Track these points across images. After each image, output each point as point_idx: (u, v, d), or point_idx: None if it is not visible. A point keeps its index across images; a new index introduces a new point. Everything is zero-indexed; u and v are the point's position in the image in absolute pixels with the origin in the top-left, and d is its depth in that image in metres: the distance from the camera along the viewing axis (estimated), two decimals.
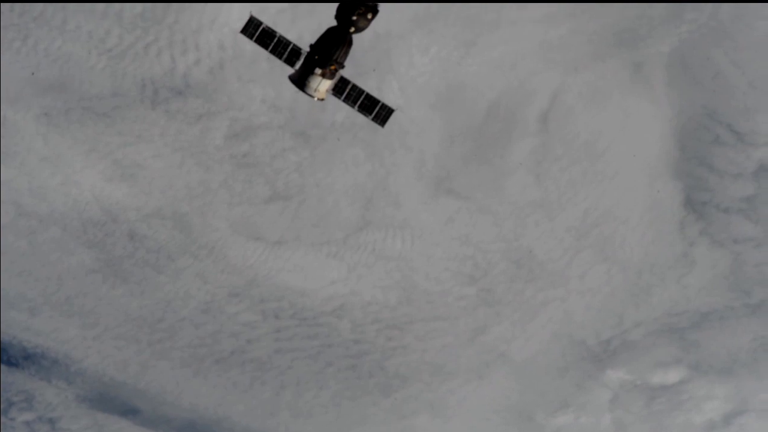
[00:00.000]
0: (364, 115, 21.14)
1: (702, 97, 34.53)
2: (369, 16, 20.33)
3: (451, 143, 35.07)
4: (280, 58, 20.77)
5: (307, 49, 20.59)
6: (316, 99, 20.81)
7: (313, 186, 35.13)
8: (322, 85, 20.63)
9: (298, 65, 20.73)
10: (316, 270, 35.98)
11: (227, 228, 35.48)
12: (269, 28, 20.67)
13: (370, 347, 36.78)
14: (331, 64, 20.44)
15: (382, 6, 20.53)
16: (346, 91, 20.99)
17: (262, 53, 34.21)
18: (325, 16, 20.95)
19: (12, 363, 37.06)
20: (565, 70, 34.27)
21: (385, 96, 34.10)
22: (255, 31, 20.74)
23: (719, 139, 34.72)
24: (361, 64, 34.10)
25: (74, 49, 33.44)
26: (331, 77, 20.63)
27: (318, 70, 20.47)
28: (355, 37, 33.86)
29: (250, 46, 34.39)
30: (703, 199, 35.39)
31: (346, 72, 20.89)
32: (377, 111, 21.13)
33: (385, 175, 35.09)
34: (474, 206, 35.48)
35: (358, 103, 21.05)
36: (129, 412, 38.07)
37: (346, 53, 20.62)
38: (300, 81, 20.78)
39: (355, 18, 20.22)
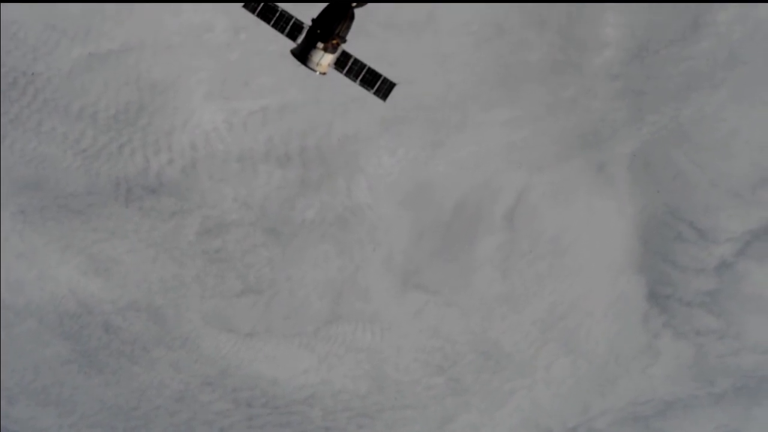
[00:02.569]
0: (366, 89, 21.02)
1: (664, 195, 35.34)
2: None
3: (419, 239, 35.81)
4: (282, 32, 20.66)
5: (309, 24, 20.58)
6: (318, 73, 20.79)
7: (284, 280, 35.80)
8: (324, 60, 20.58)
9: (300, 40, 20.71)
10: (288, 360, 36.61)
11: (200, 320, 36.12)
12: (271, 2, 20.58)
13: None
14: (333, 38, 20.37)
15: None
16: (348, 65, 20.91)
17: (233, 153, 35.27)
18: None
19: None
20: (530, 169, 35.08)
21: (354, 195, 34.95)
22: (257, 5, 20.58)
23: (681, 235, 35.50)
24: (330, 164, 35.01)
25: (49, 150, 34.17)
26: (333, 51, 20.57)
27: (320, 45, 20.41)
28: (323, 141, 34.79)
29: (222, 146, 35.35)
30: (666, 293, 36.15)
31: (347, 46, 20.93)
32: (379, 85, 20.97)
33: (354, 270, 35.80)
34: (442, 300, 36.19)
35: (360, 77, 20.94)
36: None
37: (348, 27, 20.57)
38: (302, 55, 20.70)
39: None
